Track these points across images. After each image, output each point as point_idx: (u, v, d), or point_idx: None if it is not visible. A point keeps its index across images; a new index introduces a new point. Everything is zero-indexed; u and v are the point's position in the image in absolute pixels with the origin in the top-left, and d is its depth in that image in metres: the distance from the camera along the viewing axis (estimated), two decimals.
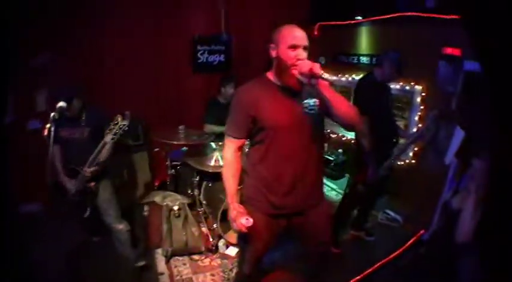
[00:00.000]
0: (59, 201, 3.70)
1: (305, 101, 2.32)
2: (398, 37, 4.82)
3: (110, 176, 3.75)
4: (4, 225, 2.26)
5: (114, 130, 3.27)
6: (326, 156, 6.01)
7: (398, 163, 5.02)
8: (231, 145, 2.47)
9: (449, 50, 4.23)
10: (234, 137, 2.44)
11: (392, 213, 4.99)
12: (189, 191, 4.73)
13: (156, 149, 5.28)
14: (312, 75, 2.08)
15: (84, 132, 3.52)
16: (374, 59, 5.31)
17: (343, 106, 2.21)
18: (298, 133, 2.32)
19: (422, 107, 4.75)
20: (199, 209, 4.63)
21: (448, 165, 3.96)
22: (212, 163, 4.45)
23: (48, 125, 3.05)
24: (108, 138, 3.28)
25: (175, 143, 4.47)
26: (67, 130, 3.54)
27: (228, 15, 5.73)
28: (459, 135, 3.73)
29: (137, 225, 4.39)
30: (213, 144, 4.66)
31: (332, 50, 6.19)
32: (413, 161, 4.94)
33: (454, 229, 2.53)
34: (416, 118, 4.81)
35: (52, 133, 3.06)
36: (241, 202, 2.49)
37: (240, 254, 2.93)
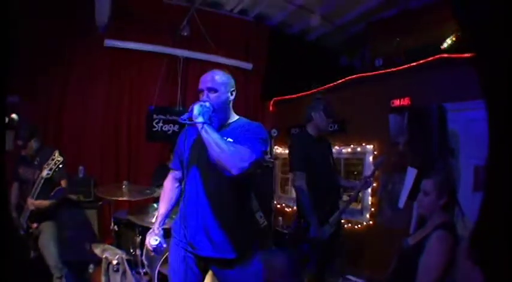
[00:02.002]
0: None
1: None
2: (349, 101, 4.99)
3: (52, 221, 3.67)
4: None
5: (51, 165, 3.27)
6: (280, 229, 5.88)
7: (356, 227, 4.87)
8: (170, 175, 2.63)
9: (397, 102, 4.34)
10: (171, 168, 2.63)
11: (353, 278, 4.63)
12: (131, 251, 4.45)
13: (100, 203, 5.15)
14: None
15: (35, 174, 3.48)
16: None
17: (219, 152, 2.04)
18: (208, 174, 2.26)
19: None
20: (141, 270, 4.31)
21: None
22: (154, 220, 4.27)
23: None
24: (44, 173, 3.28)
25: (118, 198, 4.37)
26: (23, 169, 3.60)
27: (186, 89, 6.04)
28: (411, 174, 3.65)
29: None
30: (155, 205, 4.51)
31: (286, 123, 6.33)
32: (370, 222, 4.76)
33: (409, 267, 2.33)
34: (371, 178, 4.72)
35: None
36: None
37: None
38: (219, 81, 2.27)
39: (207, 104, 2.15)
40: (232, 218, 2.30)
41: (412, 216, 3.86)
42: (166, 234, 2.51)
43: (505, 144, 1.26)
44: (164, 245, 2.38)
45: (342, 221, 4.30)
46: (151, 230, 2.43)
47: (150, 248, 2.36)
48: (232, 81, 2.35)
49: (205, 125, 2.05)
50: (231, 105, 2.36)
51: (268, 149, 6.12)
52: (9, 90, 4.37)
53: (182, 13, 5.77)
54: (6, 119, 2.14)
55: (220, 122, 2.30)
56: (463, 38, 3.81)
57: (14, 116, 2.15)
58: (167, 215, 2.56)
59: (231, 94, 2.32)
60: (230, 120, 2.36)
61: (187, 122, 2.09)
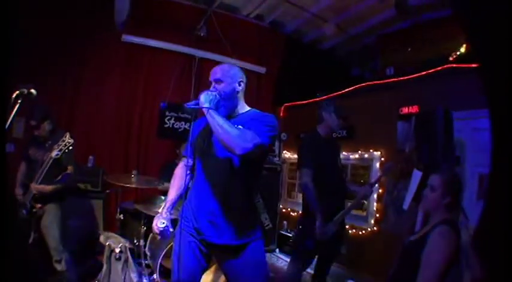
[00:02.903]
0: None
1: None
2: (358, 108, 5.04)
3: (57, 203, 3.66)
4: None
5: (61, 146, 3.28)
6: (284, 233, 5.87)
7: (360, 233, 4.89)
8: (183, 162, 2.64)
9: (405, 110, 4.40)
10: (183, 155, 2.67)
11: None
12: (135, 241, 4.48)
13: (107, 191, 5.17)
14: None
15: (45, 156, 3.47)
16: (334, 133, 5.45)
17: (222, 133, 2.15)
18: (220, 159, 2.33)
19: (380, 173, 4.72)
20: (143, 261, 4.34)
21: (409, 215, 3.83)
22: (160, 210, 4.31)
23: None
24: (54, 153, 3.28)
25: (127, 185, 4.37)
26: (33, 150, 3.62)
27: (199, 88, 6.04)
28: (416, 177, 3.69)
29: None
30: (162, 197, 4.56)
31: (296, 129, 6.38)
32: (375, 228, 4.78)
33: (412, 263, 2.36)
34: (376, 185, 4.75)
35: None
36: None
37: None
38: (225, 72, 2.40)
39: (214, 92, 2.28)
40: (239, 206, 2.35)
41: (417, 221, 3.88)
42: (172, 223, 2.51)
43: (507, 152, 1.30)
44: (171, 229, 2.40)
45: (347, 226, 4.34)
46: (158, 214, 2.45)
47: (157, 231, 2.36)
48: (240, 73, 2.46)
49: (210, 110, 2.16)
50: (240, 95, 2.45)
51: (277, 151, 6.19)
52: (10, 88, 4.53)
53: (200, 14, 5.93)
54: (25, 91, 2.12)
55: (229, 111, 2.39)
56: (469, 47, 3.88)
57: (32, 90, 2.16)
58: (176, 202, 2.57)
59: (239, 85, 2.42)
60: (240, 111, 2.45)
61: (192, 106, 2.22)
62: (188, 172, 2.55)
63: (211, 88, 2.36)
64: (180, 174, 2.61)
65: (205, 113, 2.19)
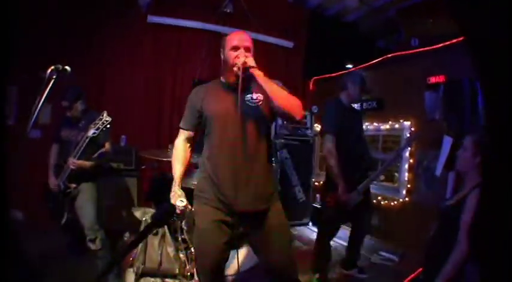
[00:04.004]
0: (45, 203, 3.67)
1: (247, 95, 2.42)
2: (386, 79, 5.03)
3: (92, 182, 3.67)
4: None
5: (98, 125, 3.30)
6: (317, 206, 5.91)
7: (392, 203, 4.90)
8: (180, 135, 2.60)
9: (433, 79, 4.37)
10: (182, 128, 2.58)
11: (386, 254, 4.67)
12: None
13: (143, 167, 5.26)
14: (247, 67, 2.25)
15: (79, 136, 3.48)
16: (365, 105, 5.44)
17: (280, 94, 2.26)
18: (241, 124, 2.35)
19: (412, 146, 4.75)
20: (179, 236, 4.41)
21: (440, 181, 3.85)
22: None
23: None
24: (90, 132, 3.30)
25: (163, 159, 4.35)
26: (66, 131, 3.62)
27: None
28: (447, 143, 3.70)
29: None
30: (195, 170, 4.60)
31: (326, 101, 6.37)
32: (406, 199, 4.78)
33: (450, 228, 2.37)
34: (407, 154, 4.76)
35: None
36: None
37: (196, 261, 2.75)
38: (252, 43, 2.42)
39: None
40: (266, 170, 2.43)
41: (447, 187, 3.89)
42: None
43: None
44: (189, 207, 2.36)
45: (379, 198, 4.36)
46: (172, 193, 2.38)
47: (178, 211, 2.30)
48: None
49: (261, 73, 2.25)
50: None
51: (309, 124, 6.22)
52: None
53: None
54: (60, 67, 2.08)
55: None
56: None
57: (67, 67, 2.14)
58: (182, 176, 2.54)
59: None
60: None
61: (251, 65, 2.23)
62: (189, 144, 2.59)
63: (238, 53, 2.34)
64: (182, 147, 2.56)
65: (256, 75, 2.23)
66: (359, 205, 3.75)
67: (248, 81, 2.33)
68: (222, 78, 2.52)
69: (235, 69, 2.30)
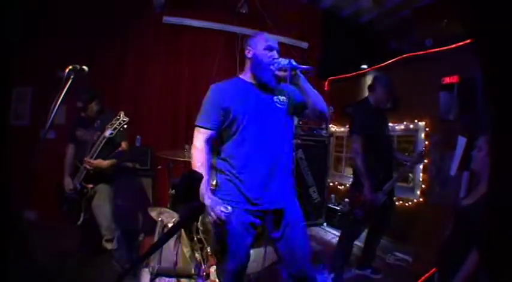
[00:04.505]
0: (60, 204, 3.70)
1: (276, 96, 2.47)
2: (401, 79, 5.00)
3: (108, 183, 3.70)
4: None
5: (115, 125, 3.33)
6: (332, 206, 5.92)
7: (406, 204, 4.89)
8: (200, 136, 2.43)
9: (447, 80, 4.36)
10: (204, 128, 2.43)
11: (400, 255, 4.66)
12: None
13: (159, 167, 5.31)
14: (291, 67, 2.29)
15: (95, 136, 3.54)
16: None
17: (315, 93, 2.42)
18: (269, 124, 2.39)
19: (426, 142, 4.76)
20: (195, 235, 4.44)
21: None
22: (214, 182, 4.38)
23: None
24: (108, 132, 3.33)
25: (179, 159, 4.36)
26: (81, 131, 3.67)
27: (244, 65, 6.10)
28: (462, 143, 3.72)
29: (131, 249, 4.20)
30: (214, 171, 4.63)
31: (341, 102, 6.41)
32: (421, 199, 4.78)
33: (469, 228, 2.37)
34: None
35: None
36: None
37: (219, 265, 2.72)
38: None
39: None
40: (291, 168, 2.48)
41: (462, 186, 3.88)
42: None
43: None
44: (229, 208, 2.23)
45: (394, 198, 4.34)
46: (209, 200, 2.26)
47: (223, 217, 2.20)
48: None
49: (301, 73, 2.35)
50: None
51: (325, 125, 6.22)
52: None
53: None
54: (78, 67, 2.08)
55: None
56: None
57: (84, 67, 2.15)
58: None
59: None
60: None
61: (300, 67, 2.31)
62: (209, 146, 2.45)
63: (273, 54, 2.41)
64: (205, 149, 2.40)
65: (298, 75, 2.31)
66: (383, 206, 3.79)
67: (277, 82, 2.40)
68: (246, 77, 2.52)
69: (272, 68, 2.35)
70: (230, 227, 2.30)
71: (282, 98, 2.45)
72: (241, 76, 2.56)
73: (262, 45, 2.43)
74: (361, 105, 4.03)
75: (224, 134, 2.47)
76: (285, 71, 2.30)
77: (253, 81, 2.48)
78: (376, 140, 3.78)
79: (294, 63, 2.28)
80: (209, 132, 2.42)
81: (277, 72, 2.35)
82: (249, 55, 2.49)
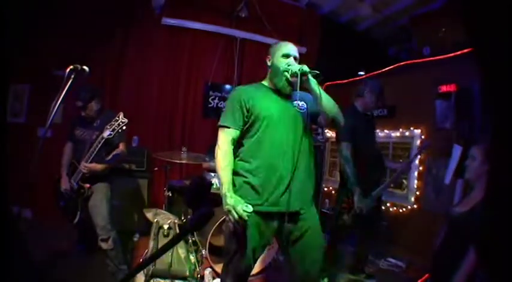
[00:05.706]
0: (55, 203, 3.68)
1: (294, 102, 2.52)
2: (398, 87, 5.06)
3: (106, 183, 3.66)
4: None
5: (114, 126, 3.30)
6: (326, 211, 5.92)
7: (400, 210, 4.93)
8: (226, 136, 2.45)
9: (444, 88, 4.41)
10: (230, 127, 2.45)
11: (393, 260, 4.69)
12: (182, 218, 4.60)
13: (155, 168, 5.29)
14: (302, 73, 2.31)
15: (94, 135, 3.50)
16: (376, 112, 5.46)
17: (327, 99, 2.44)
18: (289, 128, 2.43)
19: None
20: (190, 238, 4.45)
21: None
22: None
23: None
24: (106, 133, 3.28)
25: (177, 161, 4.46)
26: (80, 130, 3.62)
27: (242, 68, 6.23)
28: (457, 152, 3.75)
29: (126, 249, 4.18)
30: (212, 174, 4.65)
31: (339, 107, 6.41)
32: (415, 206, 4.81)
33: (461, 236, 2.39)
34: (417, 161, 4.79)
35: None
36: None
37: (225, 266, 2.63)
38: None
39: None
40: (307, 174, 2.50)
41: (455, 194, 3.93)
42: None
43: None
44: (251, 207, 2.22)
45: (388, 204, 4.39)
46: (232, 199, 2.24)
47: (244, 216, 2.17)
48: None
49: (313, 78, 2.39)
50: None
51: (321, 130, 6.25)
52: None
53: None
54: (79, 67, 2.06)
55: None
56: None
57: (85, 67, 2.12)
58: None
59: None
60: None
61: (311, 72, 2.34)
62: (232, 146, 2.48)
63: (290, 61, 2.47)
64: (228, 149, 2.43)
65: (310, 79, 2.34)
66: (370, 211, 3.80)
67: (295, 88, 2.40)
68: (267, 83, 2.60)
69: (286, 74, 2.40)
70: (247, 231, 2.32)
71: (301, 103, 2.51)
72: (263, 82, 2.64)
73: (280, 52, 2.50)
74: (348, 112, 3.99)
75: (244, 136, 2.50)
76: (297, 76, 2.33)
77: (272, 87, 2.55)
78: (365, 147, 3.78)
79: (305, 68, 2.31)
80: (233, 131, 2.45)
81: (290, 78, 2.40)
82: (269, 63, 2.57)
